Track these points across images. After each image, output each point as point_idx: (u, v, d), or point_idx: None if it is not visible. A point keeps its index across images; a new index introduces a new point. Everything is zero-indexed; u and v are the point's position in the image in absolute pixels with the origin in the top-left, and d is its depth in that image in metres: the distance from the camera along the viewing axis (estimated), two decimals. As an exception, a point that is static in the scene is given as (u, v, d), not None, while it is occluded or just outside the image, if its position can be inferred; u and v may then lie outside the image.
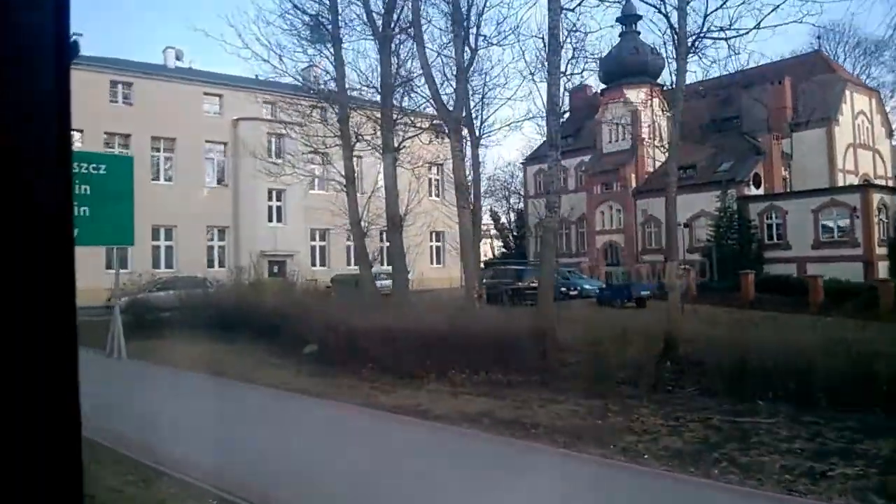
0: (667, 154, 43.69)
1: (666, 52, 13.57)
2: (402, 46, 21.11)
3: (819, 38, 46.28)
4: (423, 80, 20.16)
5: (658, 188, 41.97)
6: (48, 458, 0.93)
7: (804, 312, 24.31)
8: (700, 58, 14.32)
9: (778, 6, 13.43)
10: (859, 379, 9.30)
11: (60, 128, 0.96)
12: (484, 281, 28.07)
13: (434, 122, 21.78)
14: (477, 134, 19.17)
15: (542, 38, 16.82)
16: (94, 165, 15.34)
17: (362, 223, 21.29)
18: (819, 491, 6.40)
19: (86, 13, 58.80)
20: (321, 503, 6.36)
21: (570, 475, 6.98)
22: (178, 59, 37.51)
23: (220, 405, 10.33)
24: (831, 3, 45.35)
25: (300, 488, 6.55)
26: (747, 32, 13.69)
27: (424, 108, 21.09)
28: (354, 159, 21.92)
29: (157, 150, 34.19)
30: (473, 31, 18.27)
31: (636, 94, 42.96)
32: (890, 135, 46.29)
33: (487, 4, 19.17)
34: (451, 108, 17.69)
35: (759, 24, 13.72)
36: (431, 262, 40.65)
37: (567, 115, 38.99)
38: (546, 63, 16.19)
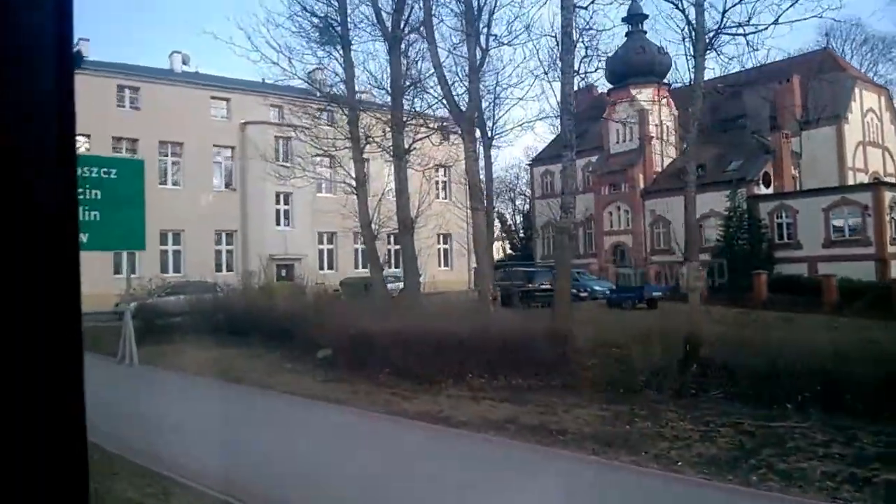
0: (675, 153, 43.74)
1: (685, 48, 13.33)
2: (411, 47, 20.96)
3: (827, 35, 46.02)
4: (433, 80, 20.01)
5: (666, 188, 41.76)
6: (53, 463, 0.92)
7: (818, 312, 24.03)
8: (718, 54, 14.10)
9: (797, 1, 13.20)
10: (893, 382, 9.07)
11: (65, 130, 0.96)
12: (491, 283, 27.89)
13: (444, 123, 21.58)
14: (489, 134, 18.97)
15: (555, 37, 16.64)
16: (105, 169, 15.20)
17: (373, 226, 21.10)
18: (864, 498, 6.20)
19: (92, 18, 58.87)
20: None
21: (605, 484, 6.78)
22: (184, 63, 37.43)
23: (239, 413, 10.16)
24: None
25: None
26: (765, 28, 13.50)
27: (436, 109, 20.92)
28: (363, 162, 21.76)
29: (165, 154, 34.08)
30: (484, 31, 18.09)
31: (643, 94, 42.67)
32: (899, 132, 45.96)
33: (498, 4, 18.96)
34: (463, 109, 17.47)
35: (777, 19, 13.56)
36: (439, 265, 40.44)
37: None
38: (559, 62, 15.97)
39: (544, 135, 49.88)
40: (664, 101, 43.16)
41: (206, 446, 8.13)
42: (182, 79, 35.77)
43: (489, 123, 19.18)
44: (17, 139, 0.90)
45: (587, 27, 16.65)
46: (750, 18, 13.46)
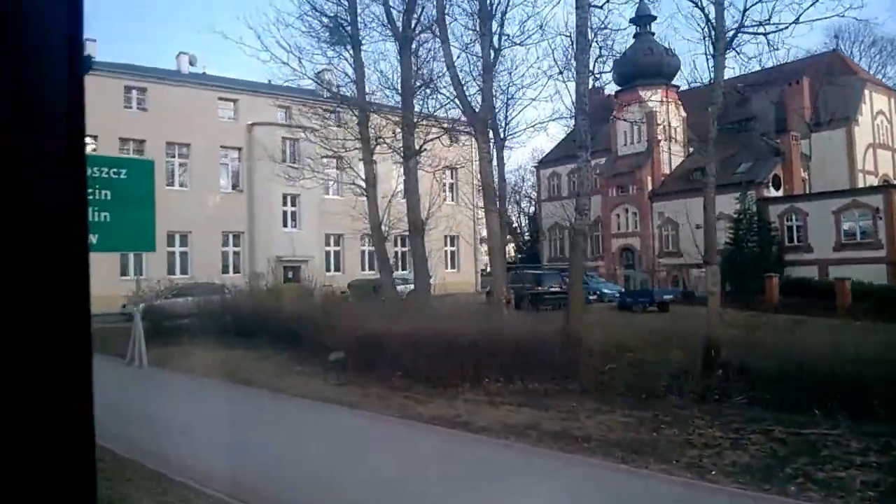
0: (683, 155, 43.48)
1: (704, 47, 13.08)
2: (422, 48, 20.76)
3: (836, 36, 45.75)
4: (445, 80, 19.81)
5: (675, 190, 41.55)
6: (61, 465, 0.92)
7: (831, 316, 23.74)
8: (738, 54, 13.87)
9: (818, 0, 12.97)
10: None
11: (74, 132, 0.97)
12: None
13: (456, 124, 21.37)
14: (502, 135, 18.76)
15: (570, 36, 16.42)
16: (115, 170, 14.96)
17: (382, 227, 20.89)
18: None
19: (99, 19, 58.87)
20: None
21: (638, 494, 6.54)
22: (191, 64, 37.29)
23: (251, 416, 9.97)
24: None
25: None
26: (787, 27, 13.24)
27: (449, 110, 20.70)
28: (373, 163, 21.56)
29: (172, 155, 33.89)
30: (497, 30, 17.87)
31: (651, 96, 42.44)
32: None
33: (511, 3, 18.73)
34: (476, 110, 17.26)
35: (797, 18, 13.30)
36: (447, 267, 40.20)
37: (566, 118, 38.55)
38: (574, 61, 15.75)
39: (557, 136, 49.61)
40: (672, 102, 42.99)
41: (219, 450, 7.92)
42: (189, 80, 35.64)
43: (501, 124, 18.96)
44: (27, 140, 0.91)
45: (602, 26, 16.45)
46: (770, 17, 13.24)
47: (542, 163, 52.74)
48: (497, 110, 17.91)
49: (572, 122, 37.19)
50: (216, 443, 8.10)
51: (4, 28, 0.90)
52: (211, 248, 34.21)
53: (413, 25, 19.96)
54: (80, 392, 0.97)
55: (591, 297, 30.21)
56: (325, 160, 25.71)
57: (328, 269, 36.52)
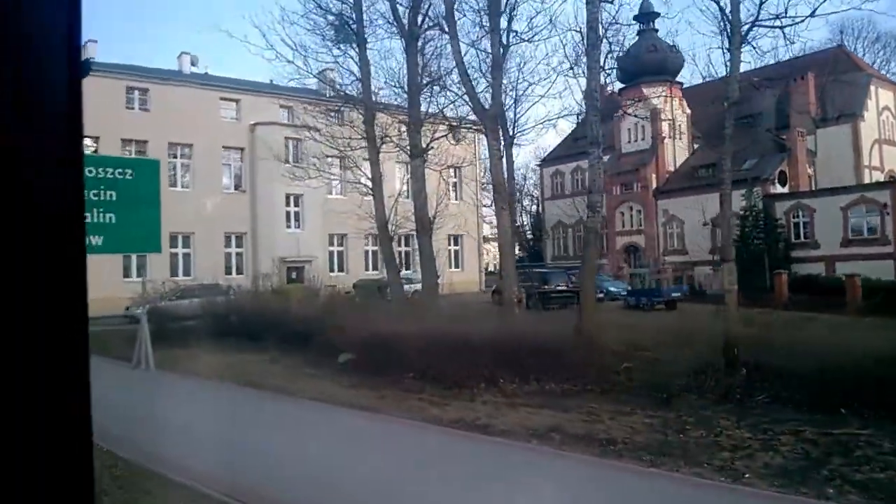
0: (687, 153, 43.25)
1: (721, 41, 12.87)
2: (428, 45, 20.55)
3: (841, 32, 45.53)
4: (452, 78, 19.60)
5: (679, 188, 41.33)
6: (59, 465, 0.92)
7: (840, 313, 23.57)
8: (753, 48, 13.65)
9: (834, -8, 12.74)
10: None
11: (72, 134, 0.98)
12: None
13: (464, 121, 21.15)
14: (510, 133, 18.53)
15: (580, 32, 16.19)
16: (120, 170, 14.77)
17: (389, 226, 20.68)
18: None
19: (100, 19, 58.60)
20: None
21: (673, 500, 6.32)
22: (193, 64, 37.07)
23: (266, 421, 9.76)
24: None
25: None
26: (803, 20, 13.05)
27: (459, 106, 20.45)
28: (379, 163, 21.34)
29: (175, 156, 33.66)
30: (505, 27, 17.65)
31: (655, 93, 42.18)
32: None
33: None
34: (486, 107, 17.03)
35: (814, 11, 13.09)
36: (451, 266, 39.99)
37: (581, 115, 38.37)
38: (585, 57, 15.54)
39: (564, 133, 49.27)
40: (676, 99, 42.76)
41: (241, 459, 7.70)
42: (191, 80, 35.42)
43: (510, 121, 18.74)
44: (26, 142, 0.91)
45: (613, 21, 16.22)
46: (786, 10, 13.02)
47: (545, 161, 52.51)
48: (506, 108, 17.68)
49: (581, 118, 37.01)
50: (236, 451, 7.89)
51: (3, 30, 0.90)
52: (214, 249, 34.01)
53: (419, 22, 19.76)
54: (78, 393, 0.95)
55: (598, 296, 30.04)
56: (329, 160, 25.53)
57: (332, 270, 36.31)
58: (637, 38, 42.77)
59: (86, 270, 0.97)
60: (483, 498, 6.46)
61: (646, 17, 41.98)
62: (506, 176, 18.78)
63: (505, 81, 17.45)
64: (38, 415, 0.90)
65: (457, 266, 41.31)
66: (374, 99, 20.75)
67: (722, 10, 12.75)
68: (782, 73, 35.40)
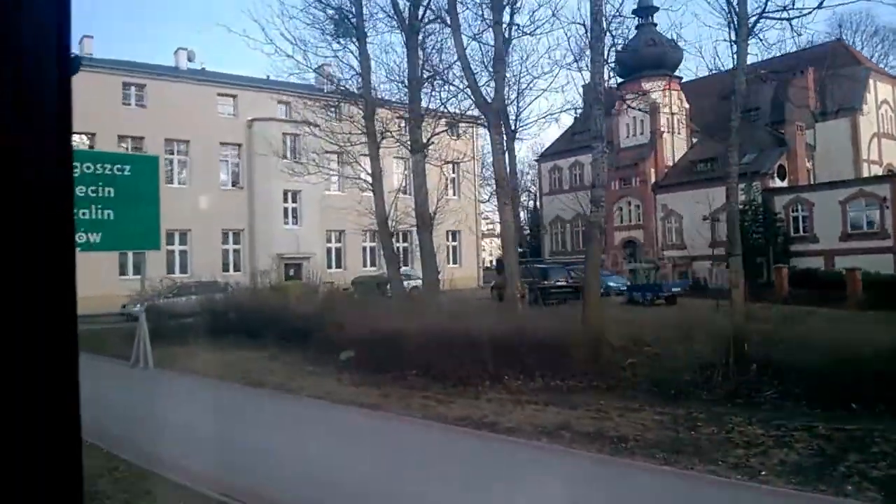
0: (686, 147, 43.14)
1: (729, 33, 12.70)
2: (429, 39, 20.35)
3: (840, 26, 45.45)
4: (454, 72, 19.42)
5: (678, 182, 41.24)
6: (47, 464, 0.92)
7: (841, 307, 23.53)
8: (760, 40, 13.50)
9: (842, -16, 12.60)
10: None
11: (62, 132, 0.97)
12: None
13: (465, 115, 20.97)
14: (512, 127, 18.36)
15: (584, 24, 16.01)
16: (119, 166, 14.58)
17: (389, 222, 20.50)
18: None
19: (96, 16, 58.21)
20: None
21: (692, 499, 6.20)
22: (189, 60, 36.77)
23: (272, 421, 9.63)
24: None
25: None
26: (810, 12, 12.89)
27: (462, 100, 20.24)
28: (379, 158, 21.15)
29: (171, 152, 33.40)
30: (507, 20, 17.46)
31: (654, 87, 42.03)
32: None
33: (522, -9, 18.30)
34: (488, 100, 16.86)
35: (821, 2, 12.93)
36: (449, 262, 39.87)
37: (580, 110, 38.23)
38: (589, 50, 15.38)
39: (566, 128, 49.00)
40: (675, 94, 42.63)
41: (241, 458, 7.56)
42: (188, 76, 35.15)
43: (512, 116, 18.59)
44: (13, 140, 0.90)
45: (617, 13, 16.06)
46: (794, 1, 12.87)
47: (543, 156, 52.38)
48: (508, 102, 17.53)
49: (580, 113, 36.83)
50: (239, 451, 7.75)
51: None
52: (211, 245, 33.80)
53: (420, 16, 19.56)
54: (67, 391, 0.95)
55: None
56: (329, 155, 25.32)
57: (329, 266, 36.12)
58: (636, 31, 42.64)
59: (75, 268, 0.96)
60: (496, 498, 6.32)
61: (644, 10, 41.78)
62: (508, 171, 18.61)
63: (508, 75, 17.30)
64: (27, 413, 0.90)
65: (455, 262, 41.21)
66: (374, 94, 20.54)
67: (729, 1, 12.60)
68: (781, 67, 35.29)
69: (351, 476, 6.89)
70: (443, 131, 20.26)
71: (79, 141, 28.44)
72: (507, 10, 18.26)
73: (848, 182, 35.06)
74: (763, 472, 6.68)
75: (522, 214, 61.48)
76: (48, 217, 0.93)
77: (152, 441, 8.16)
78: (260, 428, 8.99)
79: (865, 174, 37.86)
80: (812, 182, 38.42)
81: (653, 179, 42.52)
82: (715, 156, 39.87)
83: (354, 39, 20.28)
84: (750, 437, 7.85)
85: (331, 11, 20.08)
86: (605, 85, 42.96)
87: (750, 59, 17.43)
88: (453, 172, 38.49)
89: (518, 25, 18.08)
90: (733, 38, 12.60)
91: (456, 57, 18.13)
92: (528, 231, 58.21)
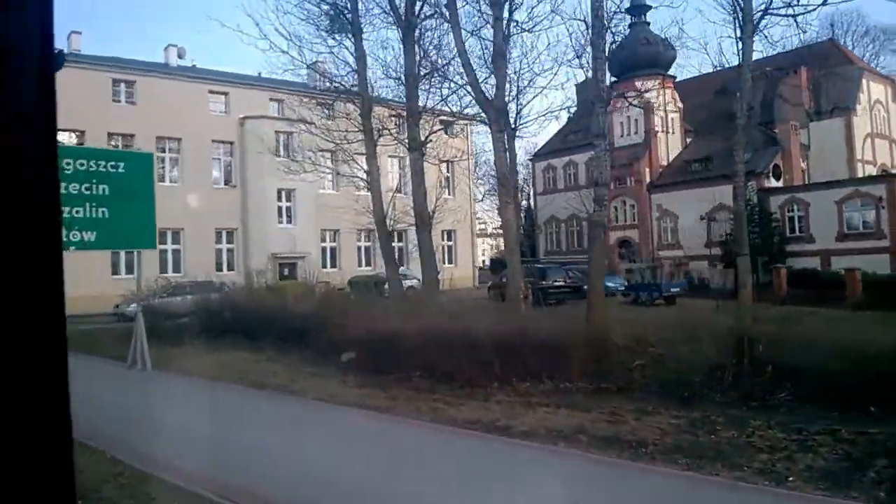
0: (681, 146, 43.10)
1: (735, 30, 12.55)
2: (426, 35, 20.08)
3: (832, 25, 45.56)
4: (451, 68, 19.18)
5: (673, 182, 41.22)
6: (38, 466, 0.92)
7: (840, 307, 23.48)
8: (765, 36, 13.36)
9: (848, -20, 12.47)
10: None
11: (47, 131, 0.96)
12: (503, 279, 27.09)
13: (462, 113, 20.74)
14: (512, 125, 18.17)
15: (585, 21, 15.83)
16: (113, 163, 14.25)
17: (387, 221, 20.24)
18: None
19: (85, 11, 57.51)
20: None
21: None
22: (180, 57, 36.30)
23: (278, 424, 9.35)
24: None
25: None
26: (815, 8, 12.77)
27: (462, 97, 20.00)
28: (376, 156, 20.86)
29: (163, 150, 32.89)
30: (506, 16, 17.21)
31: (648, 86, 41.94)
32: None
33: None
34: (489, 97, 16.63)
35: (825, -1, 12.78)
36: (445, 262, 39.66)
37: (574, 109, 38.09)
38: (590, 46, 15.19)
39: (560, 126, 48.87)
40: (669, 93, 42.59)
41: (249, 464, 7.30)
42: (179, 72, 34.69)
43: (512, 113, 18.39)
44: (2, 141, 0.89)
45: (617, 10, 15.89)
46: (799, -2, 12.73)
47: (537, 156, 52.22)
48: (509, 99, 17.34)
49: (573, 112, 36.60)
50: (246, 456, 7.48)
51: None
52: (204, 245, 33.40)
53: (417, 11, 19.31)
54: (56, 392, 0.94)
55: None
56: (321, 153, 25.01)
57: (324, 266, 35.76)
58: (629, 30, 42.54)
59: (62, 269, 0.95)
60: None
61: (637, 9, 41.67)
62: (508, 168, 18.40)
63: (508, 72, 17.08)
64: (15, 415, 0.88)
65: (451, 262, 40.96)
66: (370, 91, 20.26)
67: (735, -2, 12.44)
68: (773, 66, 35.24)
69: (372, 486, 6.64)
70: (441, 129, 20.01)
71: (67, 139, 28.00)
72: (506, 6, 18.06)
73: (843, 182, 35.08)
74: (790, 478, 6.49)
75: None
76: (34, 216, 0.92)
77: (155, 445, 7.87)
78: (271, 432, 8.73)
79: (860, 174, 37.94)
80: (807, 182, 38.46)
81: (647, 179, 42.46)
82: (709, 155, 39.89)
83: (350, 35, 20.01)
84: (772, 441, 7.67)
85: (326, 7, 19.81)
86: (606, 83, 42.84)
87: (753, 56, 17.24)
88: (447, 171, 38.32)
89: (517, 22, 17.89)
90: (738, 34, 12.44)
91: (453, 53, 17.92)
92: (523, 231, 58.09)
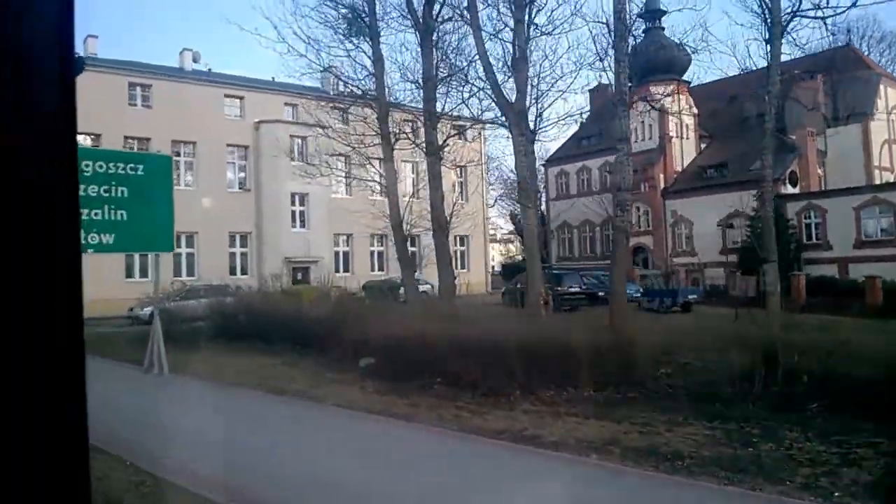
0: (695, 152, 42.76)
1: (762, 32, 12.34)
2: (443, 39, 19.98)
3: (849, 31, 45.11)
4: (470, 72, 19.05)
5: (688, 188, 40.89)
6: (55, 470, 0.92)
7: (861, 315, 23.19)
8: (793, 39, 13.14)
9: (878, -17, 12.25)
10: None
11: (66, 133, 0.96)
12: (518, 285, 26.89)
13: (481, 116, 20.60)
14: (532, 129, 17.99)
15: (607, 23, 15.66)
16: (132, 165, 14.17)
17: (404, 226, 20.11)
18: None
19: (101, 15, 57.88)
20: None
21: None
22: (195, 61, 36.47)
23: (301, 431, 9.20)
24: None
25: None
26: (844, 11, 12.60)
27: (482, 100, 19.90)
28: (393, 161, 20.74)
29: (178, 154, 32.98)
30: (527, 19, 17.08)
31: (663, 92, 41.66)
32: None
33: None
34: (510, 101, 16.49)
35: (855, 1, 12.56)
36: (457, 267, 39.48)
37: (588, 114, 37.90)
38: (612, 49, 15.01)
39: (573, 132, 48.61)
40: (684, 98, 42.27)
41: (275, 472, 7.14)
42: (195, 77, 34.82)
43: (531, 117, 18.24)
44: (16, 141, 0.90)
45: (641, 13, 15.69)
46: (828, 0, 12.51)
47: (550, 161, 51.98)
48: (530, 104, 17.19)
49: (587, 117, 36.37)
50: (272, 464, 7.32)
51: None
52: (218, 248, 33.41)
53: (435, 14, 19.21)
54: (74, 396, 0.94)
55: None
56: (335, 158, 24.94)
57: (337, 270, 35.69)
58: (643, 35, 42.30)
59: (81, 271, 0.95)
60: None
61: (652, 14, 41.41)
62: (529, 173, 18.25)
63: (534, 72, 16.94)
64: (32, 420, 0.88)
65: (464, 267, 40.78)
66: (387, 95, 20.16)
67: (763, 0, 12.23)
68: (794, 70, 34.89)
69: (405, 500, 6.45)
70: (457, 133, 19.88)
71: (83, 142, 28.07)
72: (527, 9, 17.91)
73: (861, 189, 34.70)
74: (836, 494, 6.26)
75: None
76: (53, 219, 0.92)
77: (177, 453, 7.71)
78: (293, 440, 8.57)
79: (877, 181, 37.52)
80: (823, 188, 38.06)
81: (662, 185, 42.14)
82: (725, 161, 39.57)
83: (367, 38, 19.96)
84: (812, 454, 7.43)
85: (343, 10, 19.81)
86: (611, 90, 42.65)
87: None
88: (460, 176, 38.18)
89: (536, 25, 17.76)
90: (766, 36, 12.22)
91: (471, 56, 17.79)
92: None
